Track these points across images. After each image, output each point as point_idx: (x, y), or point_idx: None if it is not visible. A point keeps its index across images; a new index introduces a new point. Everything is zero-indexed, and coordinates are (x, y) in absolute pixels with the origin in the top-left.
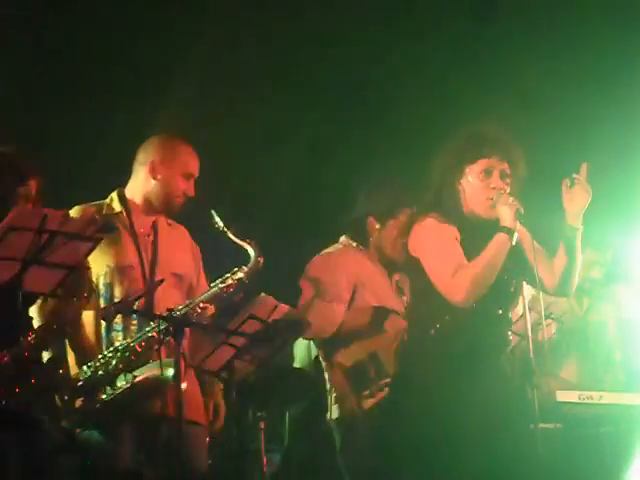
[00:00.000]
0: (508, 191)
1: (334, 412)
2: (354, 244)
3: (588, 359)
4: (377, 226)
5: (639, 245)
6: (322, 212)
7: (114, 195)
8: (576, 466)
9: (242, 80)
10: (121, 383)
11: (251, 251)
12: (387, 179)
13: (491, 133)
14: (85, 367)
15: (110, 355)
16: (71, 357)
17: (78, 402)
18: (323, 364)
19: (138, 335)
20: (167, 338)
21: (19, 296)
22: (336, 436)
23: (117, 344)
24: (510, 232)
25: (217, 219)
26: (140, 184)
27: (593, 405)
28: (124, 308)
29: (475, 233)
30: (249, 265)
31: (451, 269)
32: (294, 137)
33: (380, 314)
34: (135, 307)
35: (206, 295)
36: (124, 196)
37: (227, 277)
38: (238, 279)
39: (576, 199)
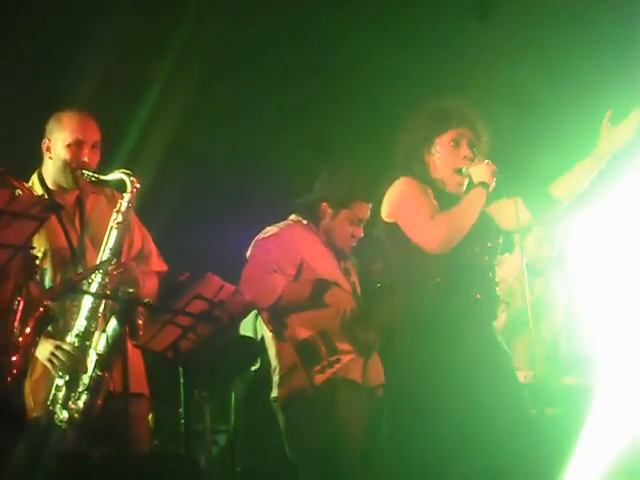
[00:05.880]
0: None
1: (278, 390)
2: (304, 221)
3: (534, 342)
4: (329, 212)
5: (583, 229)
6: (263, 189)
7: (34, 178)
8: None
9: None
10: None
11: (126, 178)
12: (347, 168)
13: (455, 105)
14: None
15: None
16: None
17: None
18: (271, 339)
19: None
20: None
21: None
22: (280, 416)
23: (75, 330)
24: (486, 186)
25: (87, 173)
26: (45, 165)
27: (540, 386)
28: (73, 288)
29: (443, 203)
30: (128, 190)
31: (427, 214)
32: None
33: (321, 286)
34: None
35: None
36: (43, 177)
37: None
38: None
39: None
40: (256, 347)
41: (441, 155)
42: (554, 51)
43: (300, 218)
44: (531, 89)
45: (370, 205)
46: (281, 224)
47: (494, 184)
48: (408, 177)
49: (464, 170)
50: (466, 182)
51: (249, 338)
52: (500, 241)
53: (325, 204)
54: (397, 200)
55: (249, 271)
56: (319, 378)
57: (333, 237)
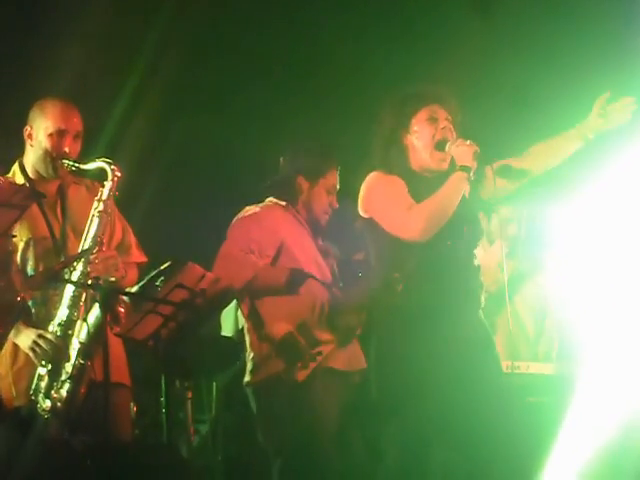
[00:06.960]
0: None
1: (252, 376)
2: (283, 203)
3: (514, 329)
4: (306, 185)
5: (562, 211)
6: (244, 177)
7: (15, 167)
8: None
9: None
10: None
11: (107, 167)
12: (313, 139)
13: (425, 86)
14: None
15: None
16: None
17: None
18: (247, 333)
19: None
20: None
21: None
22: (252, 401)
23: (57, 319)
24: (468, 170)
25: (67, 162)
26: (27, 153)
27: (521, 375)
28: (54, 277)
29: (423, 189)
30: (109, 179)
31: (405, 206)
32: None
33: (297, 276)
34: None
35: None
36: (24, 166)
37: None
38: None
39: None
40: (237, 347)
41: (420, 133)
42: (551, 43)
43: (277, 200)
44: (529, 82)
45: (338, 171)
46: (261, 205)
47: (476, 166)
48: (378, 172)
49: (447, 146)
50: (449, 159)
51: (230, 338)
52: (478, 226)
53: (300, 177)
54: (370, 196)
55: (226, 249)
56: (302, 374)
57: (312, 210)
